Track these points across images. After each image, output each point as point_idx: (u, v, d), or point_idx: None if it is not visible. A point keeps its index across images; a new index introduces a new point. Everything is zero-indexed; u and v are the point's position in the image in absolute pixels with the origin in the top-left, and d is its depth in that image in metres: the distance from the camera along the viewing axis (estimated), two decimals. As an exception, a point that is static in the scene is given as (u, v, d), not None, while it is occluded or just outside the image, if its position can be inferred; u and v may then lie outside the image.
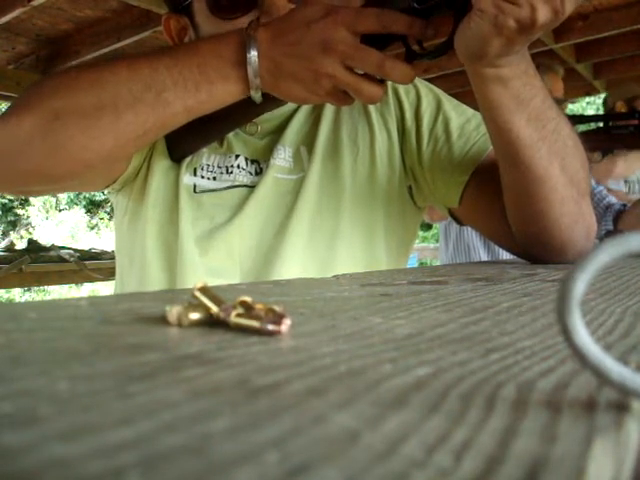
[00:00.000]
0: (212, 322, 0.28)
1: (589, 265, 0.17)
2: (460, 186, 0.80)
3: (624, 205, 1.65)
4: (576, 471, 0.13)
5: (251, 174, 0.83)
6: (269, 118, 0.83)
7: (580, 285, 0.17)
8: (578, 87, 3.71)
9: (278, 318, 0.27)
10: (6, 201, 12.50)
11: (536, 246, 0.74)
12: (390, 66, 0.62)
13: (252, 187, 0.82)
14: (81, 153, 0.66)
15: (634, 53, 3.19)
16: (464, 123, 0.83)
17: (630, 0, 2.63)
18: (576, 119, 2.06)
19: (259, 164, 0.84)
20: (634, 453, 0.16)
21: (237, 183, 0.82)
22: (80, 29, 2.86)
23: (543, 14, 0.53)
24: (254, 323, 0.27)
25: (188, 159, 0.82)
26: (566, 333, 0.17)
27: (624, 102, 2.21)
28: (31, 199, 11.82)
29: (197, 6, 0.78)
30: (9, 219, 12.46)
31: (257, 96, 0.66)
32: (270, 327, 0.26)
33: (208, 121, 0.71)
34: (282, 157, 0.83)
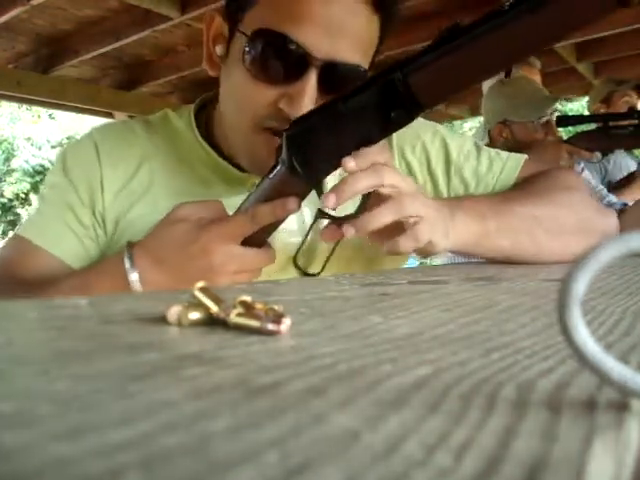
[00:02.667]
0: (212, 322, 0.28)
1: (589, 265, 0.17)
2: None
3: (625, 204, 1.65)
4: (576, 471, 0.13)
5: None
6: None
7: (580, 285, 0.17)
8: (578, 87, 3.70)
9: (278, 318, 0.27)
10: (6, 200, 12.50)
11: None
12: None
13: None
14: None
15: (635, 52, 3.19)
16: (476, 167, 0.81)
17: (630, -1, 2.63)
18: (576, 119, 2.06)
19: None
20: (634, 453, 0.16)
21: None
22: (80, 29, 2.87)
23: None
24: (254, 323, 0.27)
25: None
26: (566, 333, 0.17)
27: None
28: (31, 198, 11.81)
29: (237, 42, 0.68)
30: (9, 218, 12.46)
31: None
32: (270, 327, 0.26)
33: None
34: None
